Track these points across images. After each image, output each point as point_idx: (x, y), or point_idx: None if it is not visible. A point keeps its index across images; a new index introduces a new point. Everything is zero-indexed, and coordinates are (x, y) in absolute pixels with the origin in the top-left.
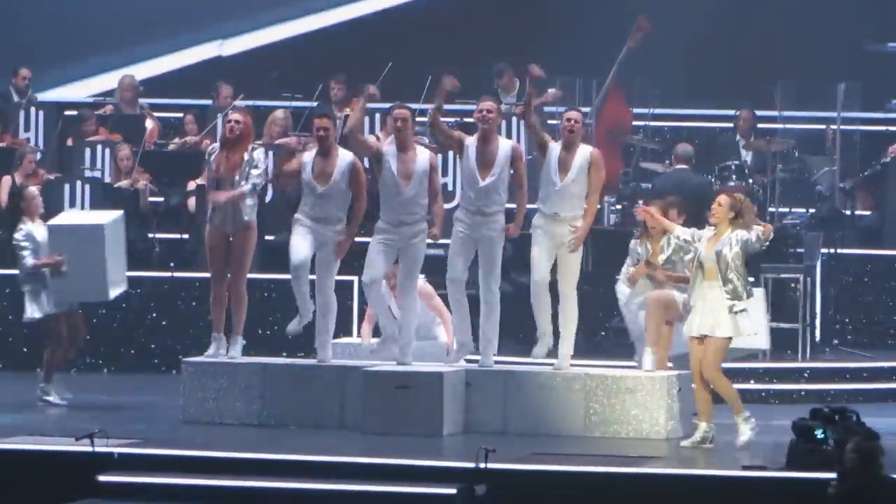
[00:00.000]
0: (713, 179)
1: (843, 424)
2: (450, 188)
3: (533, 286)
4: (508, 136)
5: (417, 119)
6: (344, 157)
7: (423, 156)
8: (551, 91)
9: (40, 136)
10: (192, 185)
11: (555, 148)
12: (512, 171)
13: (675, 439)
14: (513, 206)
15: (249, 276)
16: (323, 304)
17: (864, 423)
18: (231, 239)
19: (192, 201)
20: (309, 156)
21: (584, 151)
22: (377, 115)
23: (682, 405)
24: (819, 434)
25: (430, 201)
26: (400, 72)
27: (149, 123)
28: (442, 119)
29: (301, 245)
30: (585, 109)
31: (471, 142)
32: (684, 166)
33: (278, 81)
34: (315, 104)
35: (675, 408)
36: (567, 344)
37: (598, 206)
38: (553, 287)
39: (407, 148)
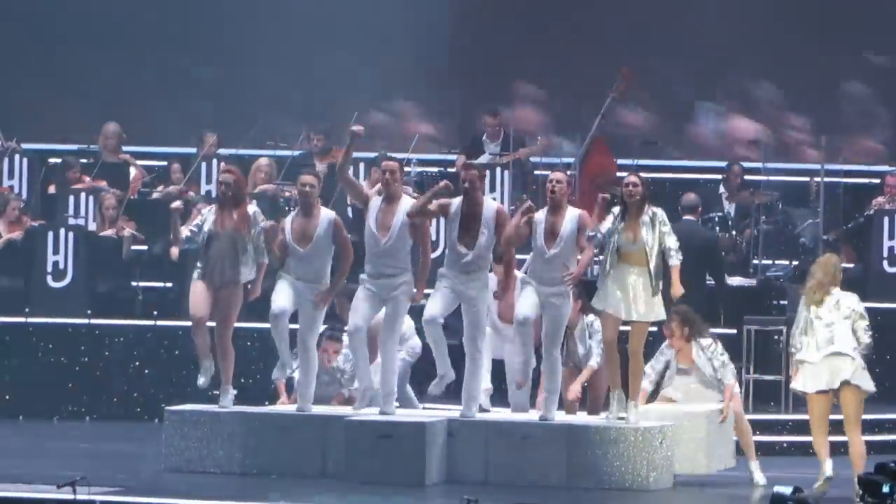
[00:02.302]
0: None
1: None
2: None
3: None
4: (492, 186)
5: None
6: (325, 215)
7: (405, 207)
8: (539, 140)
9: (24, 183)
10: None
11: (541, 215)
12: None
13: (658, 491)
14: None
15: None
16: (305, 358)
17: None
18: (218, 293)
19: (175, 250)
20: (289, 218)
21: (571, 216)
22: (361, 165)
23: (666, 456)
24: (886, 489)
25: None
26: None
27: (132, 171)
28: (418, 169)
29: (281, 295)
30: (569, 160)
31: (455, 206)
32: (690, 217)
33: (263, 128)
34: (297, 153)
35: (658, 459)
36: (553, 401)
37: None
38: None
39: (392, 200)
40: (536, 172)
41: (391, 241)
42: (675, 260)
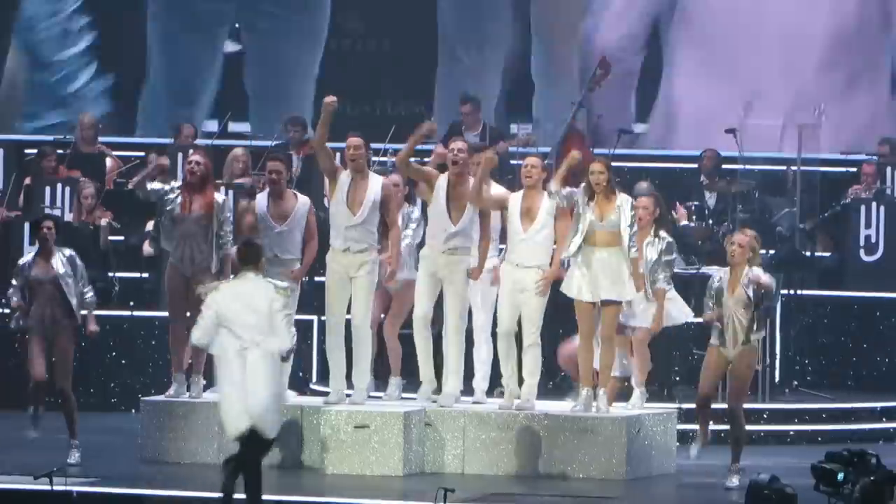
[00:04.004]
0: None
1: (863, 467)
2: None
3: (498, 339)
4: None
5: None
6: (302, 199)
7: (376, 183)
8: (522, 134)
9: None
10: (150, 226)
11: (516, 198)
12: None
13: (634, 480)
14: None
15: None
16: None
17: (884, 465)
18: (191, 279)
19: (147, 247)
20: (262, 197)
21: (550, 201)
22: (337, 155)
23: (643, 446)
24: (840, 477)
25: (388, 230)
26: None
27: (108, 162)
28: (393, 159)
29: None
30: (545, 150)
31: (441, 181)
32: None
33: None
34: (273, 143)
35: (634, 449)
36: (530, 390)
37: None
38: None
39: (362, 176)
40: (513, 162)
41: (363, 217)
42: (635, 252)
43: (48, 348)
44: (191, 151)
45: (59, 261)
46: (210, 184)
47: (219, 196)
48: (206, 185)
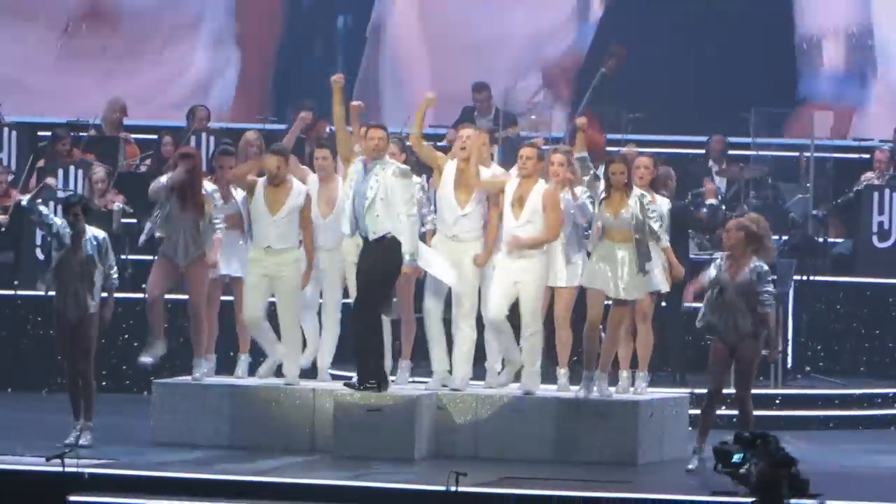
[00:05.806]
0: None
1: (763, 449)
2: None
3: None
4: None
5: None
6: (298, 188)
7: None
8: (531, 118)
9: (13, 156)
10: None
11: (510, 187)
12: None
13: (646, 464)
14: None
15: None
16: (291, 334)
17: (783, 449)
18: (185, 270)
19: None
20: (262, 183)
21: (538, 190)
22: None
23: (653, 430)
24: (736, 458)
25: None
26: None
27: (126, 147)
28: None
29: (252, 301)
30: (559, 135)
31: (450, 167)
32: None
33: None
34: (286, 127)
35: (647, 433)
36: (532, 377)
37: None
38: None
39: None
40: None
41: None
42: (665, 242)
43: (73, 332)
44: (208, 140)
45: (89, 243)
46: (199, 178)
47: (207, 186)
48: (195, 180)
